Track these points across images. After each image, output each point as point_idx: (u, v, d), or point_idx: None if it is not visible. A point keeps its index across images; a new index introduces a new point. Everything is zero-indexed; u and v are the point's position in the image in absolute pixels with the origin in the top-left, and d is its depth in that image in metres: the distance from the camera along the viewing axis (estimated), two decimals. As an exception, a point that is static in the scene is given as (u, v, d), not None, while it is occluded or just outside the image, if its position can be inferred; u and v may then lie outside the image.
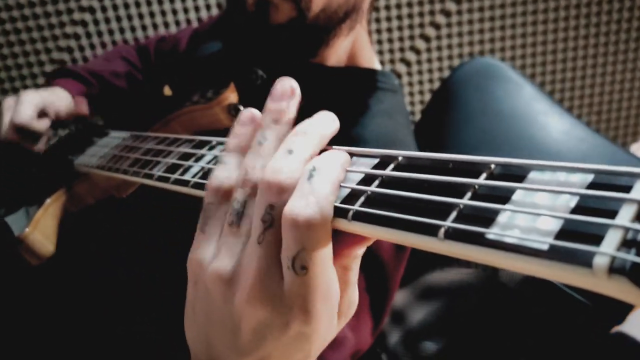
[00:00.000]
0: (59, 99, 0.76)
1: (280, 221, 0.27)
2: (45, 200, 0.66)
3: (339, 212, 0.29)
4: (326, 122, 0.31)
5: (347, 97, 0.71)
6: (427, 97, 1.58)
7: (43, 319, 0.75)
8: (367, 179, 0.30)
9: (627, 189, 0.20)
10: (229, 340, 0.30)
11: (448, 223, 0.24)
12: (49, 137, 0.77)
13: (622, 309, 0.72)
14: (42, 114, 0.73)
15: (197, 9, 1.38)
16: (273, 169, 0.28)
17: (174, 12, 1.38)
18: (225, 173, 0.31)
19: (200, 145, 0.47)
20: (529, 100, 0.94)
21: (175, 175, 0.44)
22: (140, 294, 0.70)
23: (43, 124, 0.72)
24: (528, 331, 0.86)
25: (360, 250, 0.31)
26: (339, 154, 0.30)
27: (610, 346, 0.79)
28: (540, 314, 0.84)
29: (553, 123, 0.91)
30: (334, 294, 0.29)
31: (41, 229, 0.64)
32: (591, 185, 0.22)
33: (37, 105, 0.72)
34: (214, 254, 0.30)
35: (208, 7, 1.38)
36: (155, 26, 1.38)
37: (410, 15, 1.45)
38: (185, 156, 0.46)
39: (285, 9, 0.62)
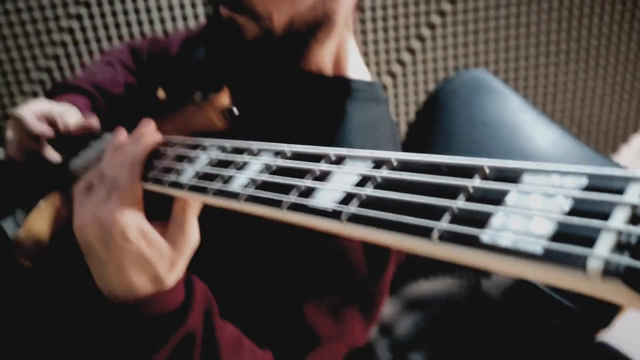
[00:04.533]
0: (69, 110, 0.74)
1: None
2: (40, 203, 0.65)
3: (334, 215, 0.29)
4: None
5: (330, 107, 0.71)
6: (412, 109, 1.59)
7: (37, 321, 0.74)
8: (362, 182, 0.30)
9: (621, 191, 0.21)
10: (95, 260, 0.48)
11: (442, 225, 0.24)
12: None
13: (609, 313, 0.72)
14: (48, 122, 0.71)
15: (193, 5, 1.37)
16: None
17: (170, 7, 1.37)
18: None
19: (194, 147, 0.47)
20: (516, 111, 0.95)
21: (171, 179, 0.44)
22: None
23: (41, 126, 0.70)
24: (513, 341, 0.86)
25: None
26: (153, 136, 0.51)
27: (594, 357, 0.79)
28: (525, 323, 0.84)
29: (540, 134, 0.92)
30: (139, 211, 0.46)
31: (35, 231, 0.63)
32: (585, 188, 0.22)
33: (43, 109, 0.71)
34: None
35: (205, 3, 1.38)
36: (151, 22, 1.38)
37: (396, 28, 1.47)
38: (180, 158, 0.47)
39: (251, 28, 0.64)
